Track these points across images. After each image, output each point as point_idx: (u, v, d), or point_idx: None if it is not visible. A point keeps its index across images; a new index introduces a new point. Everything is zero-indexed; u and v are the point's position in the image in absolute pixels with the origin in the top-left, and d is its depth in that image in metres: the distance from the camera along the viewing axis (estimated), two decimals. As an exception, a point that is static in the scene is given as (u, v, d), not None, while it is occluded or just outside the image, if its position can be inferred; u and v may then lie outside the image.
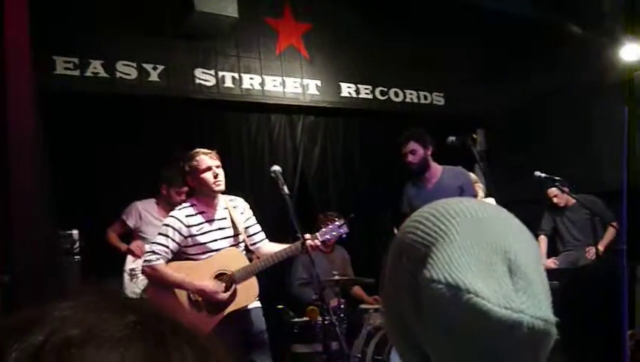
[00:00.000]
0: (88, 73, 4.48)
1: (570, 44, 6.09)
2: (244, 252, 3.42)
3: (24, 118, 2.14)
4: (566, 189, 4.48)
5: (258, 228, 3.48)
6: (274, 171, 3.22)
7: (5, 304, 2.21)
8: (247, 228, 3.42)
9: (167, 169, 4.32)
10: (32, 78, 2.67)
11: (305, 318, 4.25)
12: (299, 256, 3.82)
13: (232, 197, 3.44)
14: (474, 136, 3.78)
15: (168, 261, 3.21)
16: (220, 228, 3.32)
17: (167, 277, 3.19)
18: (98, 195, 4.41)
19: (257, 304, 3.38)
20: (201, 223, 3.29)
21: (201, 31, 4.87)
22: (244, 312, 3.29)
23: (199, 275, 3.21)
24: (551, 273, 3.83)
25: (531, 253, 0.72)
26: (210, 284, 3.20)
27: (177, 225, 3.24)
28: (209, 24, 4.79)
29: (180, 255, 3.27)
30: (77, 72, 4.44)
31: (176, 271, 3.21)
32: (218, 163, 3.30)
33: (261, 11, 5.40)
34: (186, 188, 4.32)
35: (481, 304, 0.63)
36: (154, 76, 4.78)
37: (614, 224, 4.74)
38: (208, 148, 3.36)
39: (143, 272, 3.31)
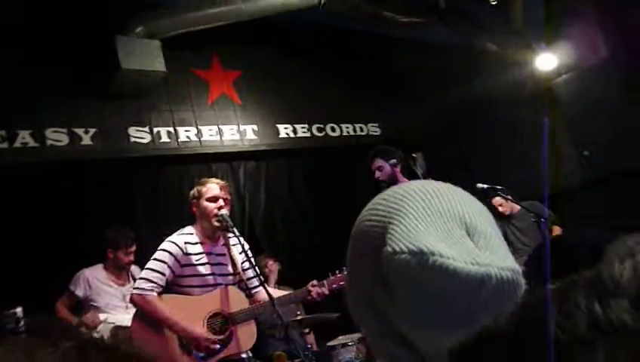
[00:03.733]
0: (17, 144, 4.33)
1: (489, 63, 6.41)
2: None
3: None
4: (509, 197, 4.62)
5: (254, 272, 3.26)
6: (221, 215, 3.10)
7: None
8: (244, 269, 3.23)
9: (110, 231, 4.20)
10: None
11: (274, 365, 4.14)
12: None
13: (230, 234, 3.20)
14: (414, 155, 3.88)
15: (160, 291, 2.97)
16: (218, 264, 3.12)
17: (158, 313, 2.93)
18: (41, 268, 4.20)
19: (249, 353, 3.18)
20: (201, 253, 3.07)
21: (131, 89, 4.82)
22: (237, 361, 3.09)
23: (194, 313, 2.97)
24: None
25: (484, 214, 0.74)
26: (203, 332, 2.97)
27: (175, 250, 3.01)
28: (138, 81, 4.75)
29: (170, 285, 3.02)
30: (5, 145, 4.28)
31: (170, 306, 2.95)
32: (227, 197, 3.16)
33: (189, 64, 5.41)
34: (133, 248, 4.18)
35: (447, 263, 0.63)
36: (87, 140, 4.67)
37: (557, 225, 4.93)
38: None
39: (132, 301, 3.02)
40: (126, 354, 0.42)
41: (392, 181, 4.03)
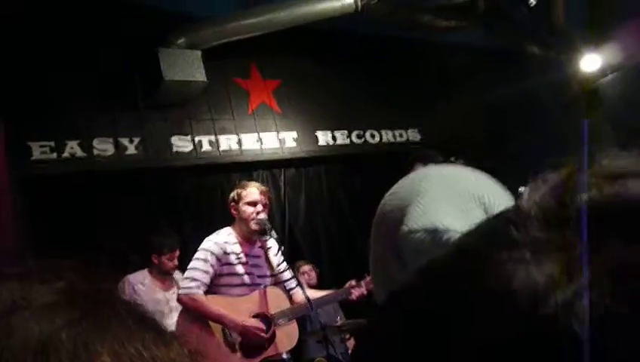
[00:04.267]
0: (66, 154, 4.48)
1: (531, 65, 6.29)
2: None
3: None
4: (553, 201, 4.51)
5: (291, 273, 3.32)
6: (260, 220, 3.17)
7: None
8: (281, 271, 3.29)
9: (155, 236, 4.28)
10: (6, 165, 2.65)
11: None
12: None
13: (267, 237, 3.28)
14: (452, 159, 3.84)
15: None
16: (255, 265, 3.18)
17: (206, 309, 2.99)
18: (88, 275, 4.32)
19: (289, 354, 3.21)
20: (240, 253, 3.13)
21: (173, 99, 4.94)
22: (278, 361, 3.12)
23: (237, 313, 3.02)
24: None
25: (503, 195, 0.74)
26: (253, 322, 3.03)
27: (216, 250, 3.09)
28: (180, 91, 4.86)
29: (209, 285, 3.09)
30: (54, 155, 4.43)
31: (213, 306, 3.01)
32: (266, 202, 3.23)
33: (229, 73, 5.49)
34: (177, 253, 4.26)
35: None
36: (131, 149, 4.79)
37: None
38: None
39: (180, 301, 3.10)
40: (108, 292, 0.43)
41: None
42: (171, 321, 4.08)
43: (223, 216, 5.24)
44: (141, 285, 4.20)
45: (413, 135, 6.42)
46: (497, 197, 0.72)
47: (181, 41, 4.76)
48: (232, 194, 3.28)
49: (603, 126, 5.99)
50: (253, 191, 3.20)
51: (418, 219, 0.67)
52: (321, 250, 5.67)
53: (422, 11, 5.40)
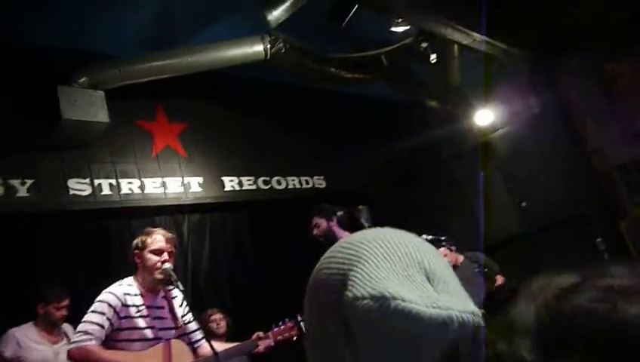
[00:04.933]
0: (-53, 195, 4.13)
1: (431, 118, 6.64)
2: None
3: None
4: (454, 248, 4.70)
5: (197, 325, 3.13)
6: (164, 270, 3.01)
7: None
8: (186, 323, 3.09)
9: (42, 285, 4.00)
10: None
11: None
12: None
13: (171, 287, 3.06)
14: (359, 208, 3.94)
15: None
16: (158, 317, 2.97)
17: (100, 360, 2.71)
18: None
19: None
20: (141, 306, 2.90)
21: (72, 140, 4.70)
22: None
23: None
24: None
25: (441, 259, 0.75)
26: None
27: (114, 301, 2.83)
28: (79, 132, 4.65)
29: (106, 340, 2.81)
30: None
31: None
32: (172, 249, 3.03)
33: (134, 115, 5.34)
34: (66, 302, 3.98)
35: (410, 307, 0.63)
36: (22, 191, 4.48)
37: (500, 275, 5.03)
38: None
39: (71, 356, 2.76)
40: None
41: (329, 236, 4.10)
42: (60, 377, 3.79)
43: (123, 263, 5.00)
44: (26, 338, 3.87)
45: (319, 182, 6.50)
46: (435, 261, 0.73)
47: (83, 80, 4.59)
48: (135, 241, 3.07)
49: (495, 176, 6.38)
50: (158, 238, 3.02)
51: (363, 286, 0.66)
52: (224, 298, 5.52)
53: (328, 63, 5.58)
